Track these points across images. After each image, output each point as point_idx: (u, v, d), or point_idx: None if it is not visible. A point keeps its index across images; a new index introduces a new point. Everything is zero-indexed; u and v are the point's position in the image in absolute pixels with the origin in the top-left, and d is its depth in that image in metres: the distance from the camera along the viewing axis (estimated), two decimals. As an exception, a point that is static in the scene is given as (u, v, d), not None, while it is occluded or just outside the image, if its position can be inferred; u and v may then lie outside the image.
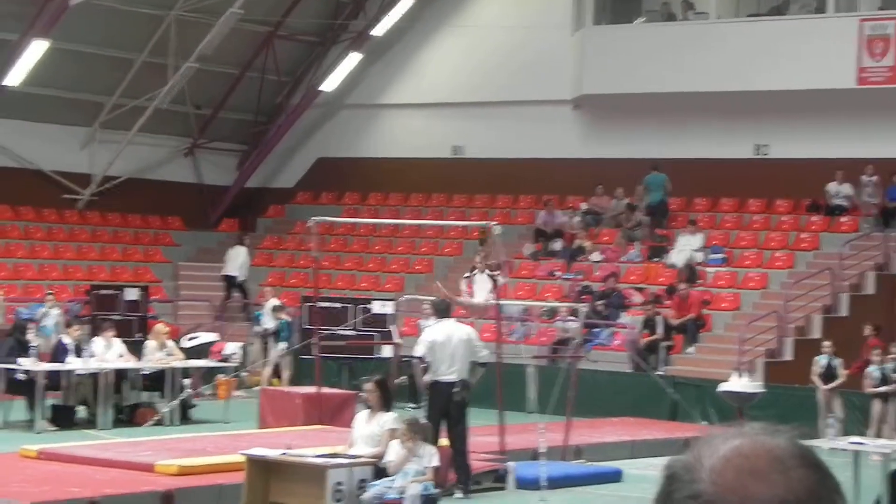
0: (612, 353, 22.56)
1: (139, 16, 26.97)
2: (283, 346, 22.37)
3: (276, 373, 22.28)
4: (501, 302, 17.44)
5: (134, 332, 21.47)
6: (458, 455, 12.87)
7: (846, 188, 24.38)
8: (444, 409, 13.00)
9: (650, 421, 18.92)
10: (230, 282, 26.77)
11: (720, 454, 1.57)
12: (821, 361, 18.27)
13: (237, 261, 26.95)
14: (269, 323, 22.65)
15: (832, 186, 24.55)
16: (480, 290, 17.41)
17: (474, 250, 26.31)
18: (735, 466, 1.55)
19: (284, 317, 22.70)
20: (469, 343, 13.23)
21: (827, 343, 18.60)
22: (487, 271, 17.59)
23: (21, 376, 17.46)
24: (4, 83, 26.17)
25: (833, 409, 17.75)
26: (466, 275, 18.16)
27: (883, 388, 17.50)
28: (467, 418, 13.17)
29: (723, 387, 16.32)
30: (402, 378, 19.12)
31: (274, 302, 23.00)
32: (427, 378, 13.22)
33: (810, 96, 24.38)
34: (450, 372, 13.06)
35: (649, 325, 22.27)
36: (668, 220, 25.98)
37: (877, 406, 17.67)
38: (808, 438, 1.65)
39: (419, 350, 13.42)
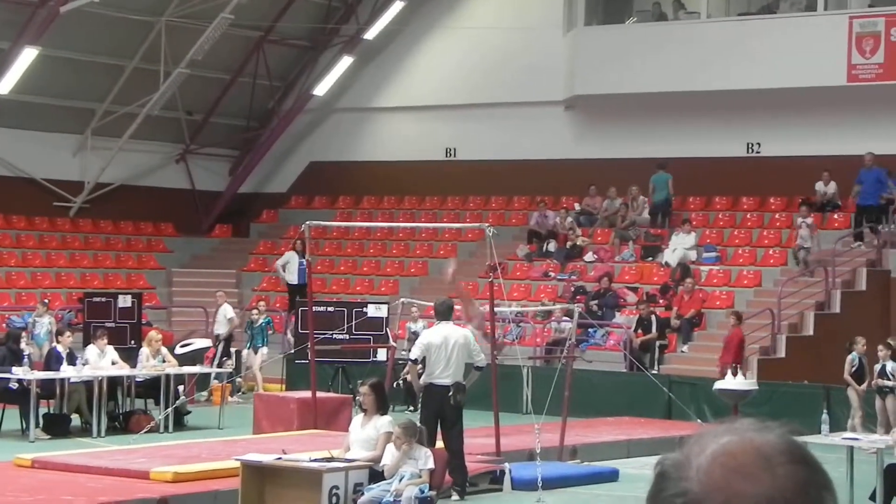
0: (607, 353, 22.57)
1: (130, 22, 26.94)
2: (264, 350, 22.32)
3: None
4: (497, 304, 17.39)
5: (128, 340, 21.41)
6: (453, 457, 12.85)
7: (832, 187, 24.44)
8: (440, 412, 12.99)
9: (646, 420, 18.93)
10: (293, 290, 25.79)
11: (708, 452, 1.56)
12: (854, 360, 17.91)
13: (292, 267, 26.05)
14: (220, 328, 22.49)
15: (819, 186, 24.61)
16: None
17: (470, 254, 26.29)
18: (721, 464, 1.54)
19: (259, 319, 22.64)
20: (466, 346, 13.21)
21: (860, 339, 18.13)
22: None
23: (14, 385, 17.42)
24: (-5, 91, 26.14)
25: (860, 407, 17.43)
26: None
27: (890, 383, 17.36)
28: (462, 420, 13.15)
29: (718, 385, 16.32)
30: (397, 381, 19.08)
31: (227, 308, 22.75)
32: (422, 381, 13.21)
33: (801, 94, 24.42)
34: (445, 375, 13.04)
35: (643, 324, 22.29)
36: (670, 220, 25.94)
37: (878, 402, 17.58)
38: (800, 434, 1.62)
39: (414, 353, 13.40)
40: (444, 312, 13.63)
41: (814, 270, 22.78)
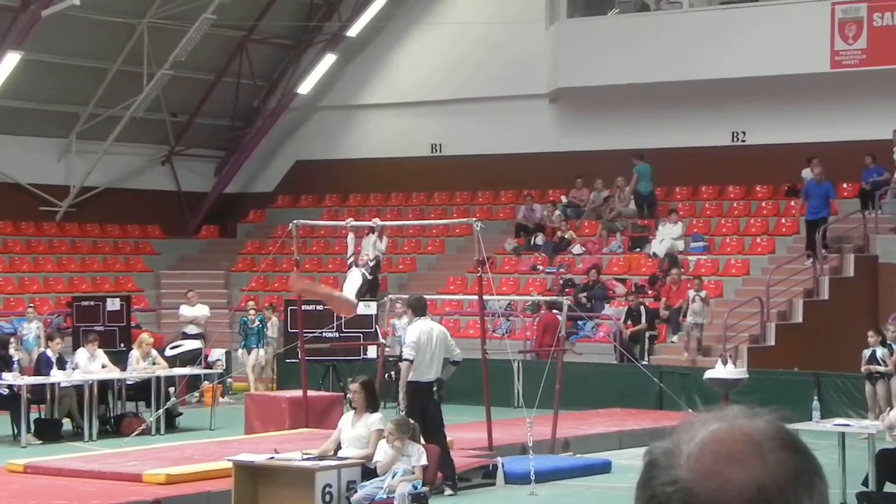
0: (597, 345, 22.59)
1: (112, 24, 26.86)
2: (260, 352, 22.33)
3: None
4: (485, 298, 17.40)
5: (117, 343, 21.37)
6: (440, 452, 12.84)
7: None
8: (426, 408, 12.99)
9: (637, 411, 18.94)
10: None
11: (697, 440, 1.55)
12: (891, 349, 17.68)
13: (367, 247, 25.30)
14: (198, 328, 22.45)
15: (805, 173, 24.60)
16: (350, 283, 15.45)
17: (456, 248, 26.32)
18: (712, 451, 1.53)
19: (254, 318, 22.68)
20: (445, 342, 13.24)
21: (891, 326, 17.65)
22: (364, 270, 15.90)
23: (4, 391, 17.38)
24: (-22, 97, 26.04)
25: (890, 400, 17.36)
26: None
27: (882, 369, 17.34)
28: (442, 415, 13.19)
29: (708, 374, 16.35)
30: (388, 373, 19.07)
31: (200, 307, 22.79)
32: (410, 378, 13.18)
33: (785, 82, 24.45)
34: (430, 372, 13.06)
35: (633, 315, 22.31)
36: (654, 210, 25.91)
37: (868, 387, 17.58)
38: (790, 421, 1.62)
39: (408, 353, 13.23)
40: (421, 308, 13.66)
41: (698, 351, 21.19)
